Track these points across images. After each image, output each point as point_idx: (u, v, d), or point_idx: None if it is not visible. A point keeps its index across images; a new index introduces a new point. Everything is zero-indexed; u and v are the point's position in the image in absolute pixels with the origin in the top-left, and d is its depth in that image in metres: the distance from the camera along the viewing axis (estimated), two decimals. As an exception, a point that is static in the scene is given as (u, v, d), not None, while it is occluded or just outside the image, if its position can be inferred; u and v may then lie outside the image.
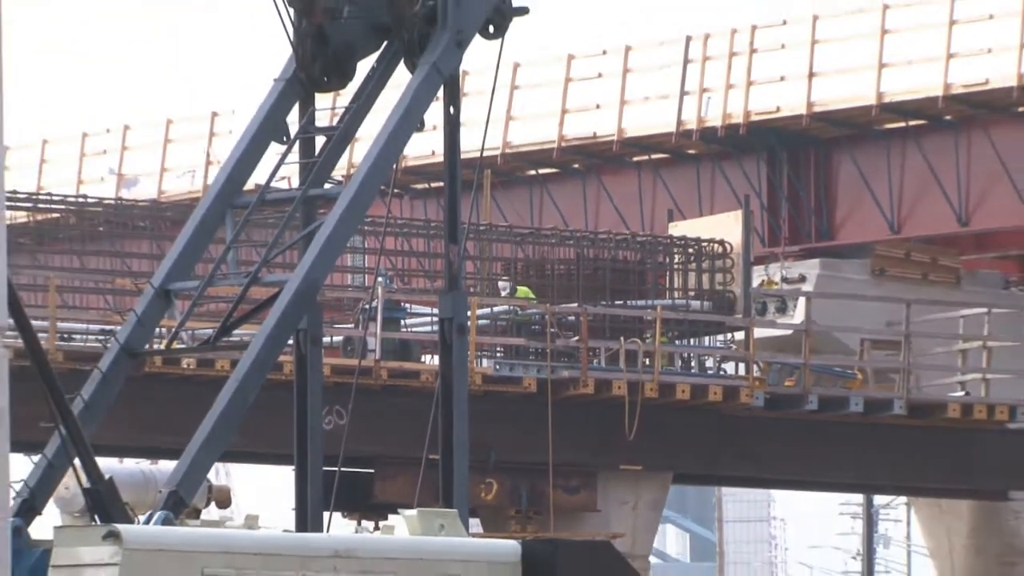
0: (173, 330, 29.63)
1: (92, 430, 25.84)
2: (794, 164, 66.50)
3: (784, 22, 66.98)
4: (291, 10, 28.46)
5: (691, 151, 67.14)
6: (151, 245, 51.71)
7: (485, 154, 43.95)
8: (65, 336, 49.62)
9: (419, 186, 51.22)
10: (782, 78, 66.20)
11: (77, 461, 25.04)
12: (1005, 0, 63.52)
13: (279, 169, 29.05)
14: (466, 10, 29.21)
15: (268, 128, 29.01)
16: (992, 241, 65.50)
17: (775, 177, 66.80)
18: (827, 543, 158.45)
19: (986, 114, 63.33)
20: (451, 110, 29.03)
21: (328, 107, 29.71)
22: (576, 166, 69.21)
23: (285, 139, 29.25)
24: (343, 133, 29.17)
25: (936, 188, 63.37)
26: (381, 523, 29.47)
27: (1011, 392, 62.37)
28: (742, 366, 62.14)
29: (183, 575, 25.01)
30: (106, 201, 67.93)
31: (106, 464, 25.67)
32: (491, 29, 29.44)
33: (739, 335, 62.46)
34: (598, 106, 68.89)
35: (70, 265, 60.37)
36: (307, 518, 28.19)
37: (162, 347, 30.59)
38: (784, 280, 63.56)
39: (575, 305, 57.47)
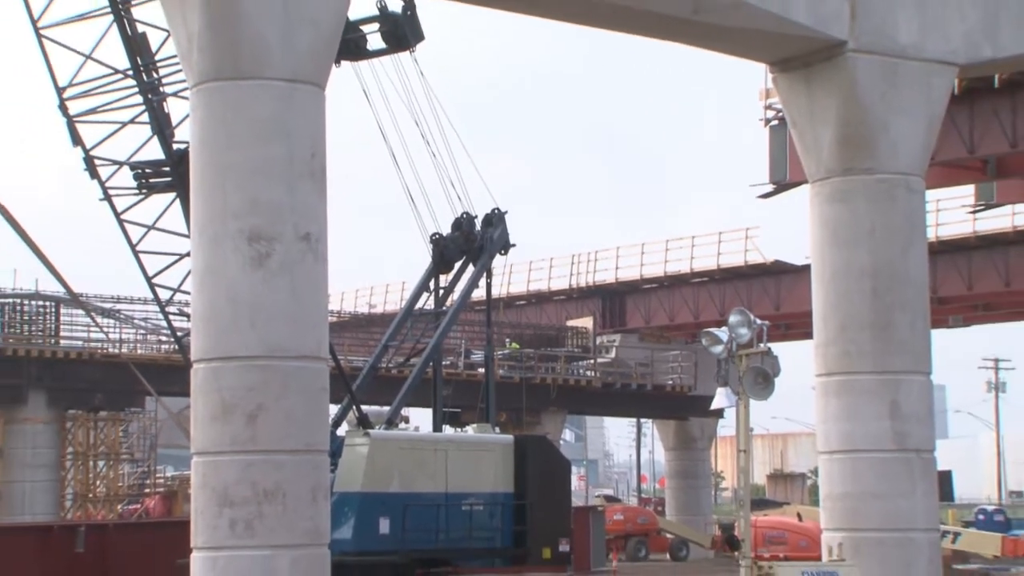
0: (389, 359, 27.63)
1: (360, 396, 24.71)
2: (612, 301, 62.57)
3: (607, 249, 64.93)
4: (431, 246, 26.84)
5: (575, 296, 64.44)
6: (381, 331, 51.73)
7: (500, 296, 45.82)
8: (349, 361, 50.12)
9: (477, 308, 51.60)
10: (606, 269, 63.93)
11: (354, 408, 24.42)
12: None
13: (426, 302, 27.41)
14: (494, 246, 27.15)
15: (421, 287, 27.31)
16: (681, 329, 62.81)
17: (606, 304, 63.78)
18: (623, 443, 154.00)
19: (681, 283, 61.71)
20: (488, 279, 27.68)
21: (445, 277, 27.47)
22: (533, 300, 67.11)
23: (428, 291, 27.23)
24: (449, 288, 27.44)
25: (663, 309, 60.30)
26: (465, 429, 29.52)
27: (689, 381, 59.92)
28: (592, 373, 57.31)
29: (395, 450, 24.19)
30: (364, 314, 65.78)
31: (365, 408, 24.74)
32: (503, 251, 27.51)
33: (590, 361, 57.90)
34: (540, 280, 66.83)
35: (352, 336, 54.91)
36: (437, 428, 26.81)
37: (383, 366, 27.45)
38: (608, 341, 62.29)
39: (532, 350, 57.06)
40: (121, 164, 22.37)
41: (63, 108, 21.86)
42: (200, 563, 15.98)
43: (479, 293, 28.37)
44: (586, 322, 59.16)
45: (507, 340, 54.85)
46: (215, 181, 16.11)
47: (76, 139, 22.05)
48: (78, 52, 21.56)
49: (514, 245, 27.82)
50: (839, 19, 19.92)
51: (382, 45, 23.22)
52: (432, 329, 26.88)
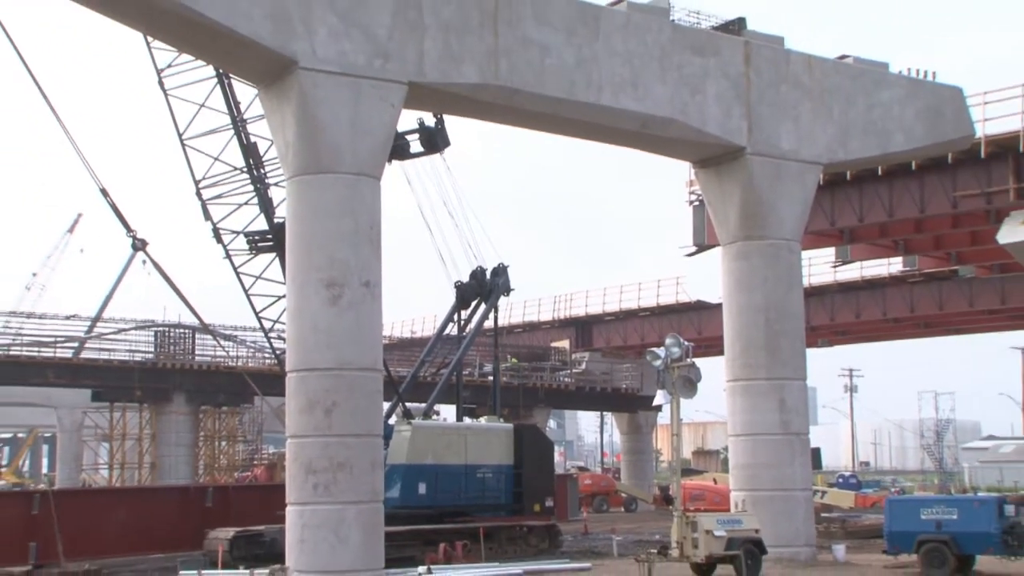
0: (425, 370, 26.57)
1: (404, 397, 24.34)
2: (583, 328, 61.66)
3: (579, 291, 63.81)
4: (455, 290, 25.86)
5: (556, 325, 62.75)
6: (420, 349, 49.98)
7: (504, 325, 45.05)
8: (396, 371, 48.67)
9: (487, 334, 51.35)
10: (579, 306, 62.17)
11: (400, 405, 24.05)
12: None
13: (451, 329, 26.59)
14: (500, 288, 26.27)
15: (447, 319, 26.59)
16: (631, 348, 62.45)
17: (578, 331, 61.95)
18: (591, 429, 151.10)
19: (631, 316, 61.66)
20: (495, 314, 26.75)
21: (466, 310, 26.42)
22: (527, 328, 65.88)
23: (452, 322, 26.43)
24: (468, 320, 26.45)
25: (619, 334, 59.66)
26: (478, 419, 28.74)
27: (637, 385, 59.56)
28: (568, 380, 58.38)
29: (429, 434, 23.38)
30: (407, 337, 65.04)
31: (408, 405, 24.35)
32: (506, 294, 26.65)
33: (567, 371, 57.74)
34: (531, 313, 65.95)
35: (399, 353, 48.27)
36: (459, 418, 26.11)
37: (421, 374, 26.45)
38: (580, 357, 60.77)
39: (526, 364, 56.33)
40: (238, 233, 22.42)
41: (199, 194, 22.37)
42: (292, 514, 15.94)
43: (489, 323, 27.92)
44: (564, 344, 58.12)
45: (508, 356, 54.16)
46: (303, 245, 16.12)
47: (207, 215, 22.07)
48: (209, 155, 21.91)
49: (514, 289, 27.38)
50: (740, 132, 20.21)
51: (420, 149, 23.51)
52: (456, 349, 26.46)
